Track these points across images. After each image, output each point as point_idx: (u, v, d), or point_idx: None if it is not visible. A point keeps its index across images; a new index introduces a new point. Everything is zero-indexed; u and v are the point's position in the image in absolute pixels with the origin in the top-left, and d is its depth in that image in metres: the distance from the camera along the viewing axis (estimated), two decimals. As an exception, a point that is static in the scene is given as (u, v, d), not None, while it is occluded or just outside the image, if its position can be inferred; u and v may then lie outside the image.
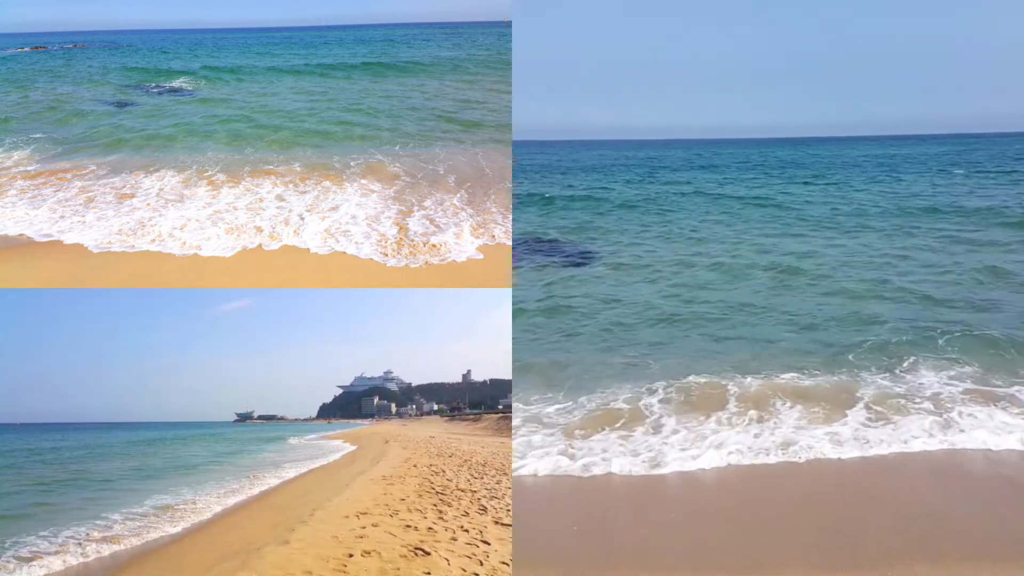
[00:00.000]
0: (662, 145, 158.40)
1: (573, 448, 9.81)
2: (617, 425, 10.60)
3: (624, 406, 11.19)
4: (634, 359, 13.23)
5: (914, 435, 9.78)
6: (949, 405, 10.64)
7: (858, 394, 11.14)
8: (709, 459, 9.35)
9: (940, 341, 13.14)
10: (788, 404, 10.92)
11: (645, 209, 35.07)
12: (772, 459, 9.34)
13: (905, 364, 12.35)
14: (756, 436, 9.93)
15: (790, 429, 10.11)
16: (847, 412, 10.54)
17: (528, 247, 24.28)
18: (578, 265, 21.52)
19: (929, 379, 11.75)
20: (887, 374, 12.03)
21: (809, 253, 22.32)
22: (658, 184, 49.69)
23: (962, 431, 9.86)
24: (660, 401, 11.31)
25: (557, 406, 11.32)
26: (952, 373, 11.94)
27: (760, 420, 10.49)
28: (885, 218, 29.51)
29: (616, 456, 9.50)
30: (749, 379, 11.86)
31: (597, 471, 9.19)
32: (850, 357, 12.69)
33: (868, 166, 64.93)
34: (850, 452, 9.48)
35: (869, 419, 10.35)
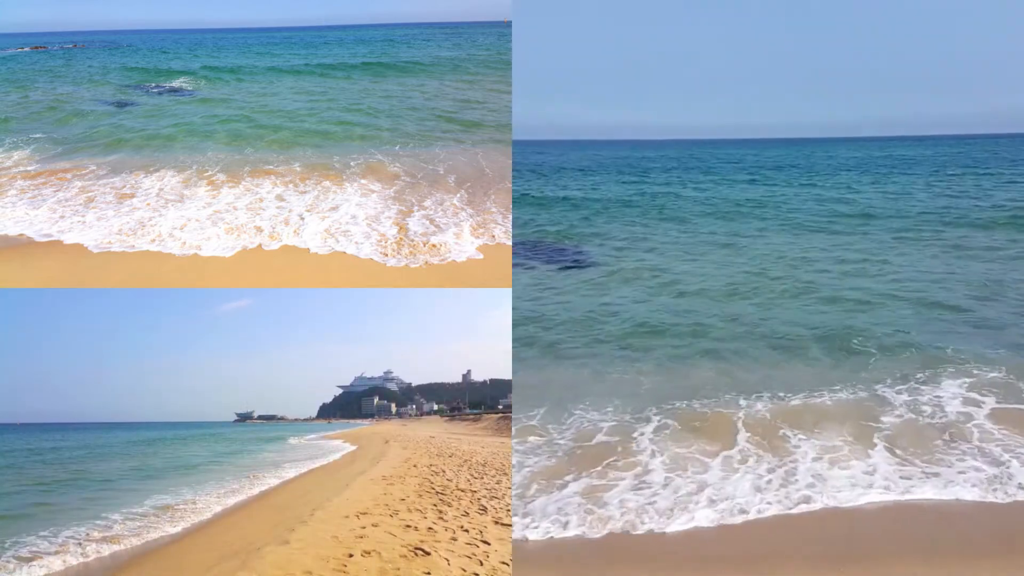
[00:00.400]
0: (656, 145, 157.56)
1: (529, 510, 8.06)
2: (596, 470, 8.83)
3: (609, 439, 9.59)
4: (625, 374, 12.28)
5: (963, 488, 8.33)
6: (988, 444, 9.29)
7: (881, 421, 9.94)
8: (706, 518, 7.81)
9: (949, 351, 12.62)
10: (803, 436, 9.60)
11: (640, 212, 34.81)
12: (797, 511, 7.98)
13: (920, 376, 11.60)
14: (760, 490, 8.35)
15: (808, 480, 8.52)
16: (871, 452, 9.15)
17: (521, 249, 24.12)
18: (571, 269, 21.27)
19: (951, 392, 10.90)
20: (903, 387, 11.20)
21: (805, 259, 22.11)
22: (653, 185, 49.51)
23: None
24: (654, 431, 9.81)
25: (530, 439, 9.83)
26: (972, 381, 11.20)
27: (772, 464, 8.90)
28: (879, 221, 29.41)
29: (583, 526, 7.71)
30: (755, 403, 10.64)
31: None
32: (862, 373, 11.90)
33: (870, 167, 64.73)
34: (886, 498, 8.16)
35: (901, 464, 8.87)
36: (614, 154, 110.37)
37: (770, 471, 8.82)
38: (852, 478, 8.60)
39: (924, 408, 10.45)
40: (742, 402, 10.80)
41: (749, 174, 59.48)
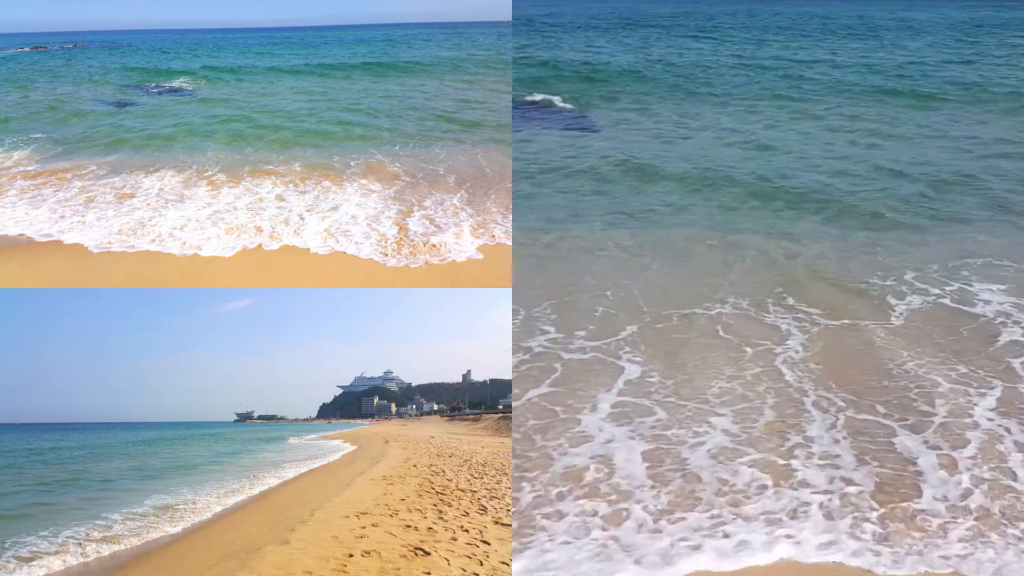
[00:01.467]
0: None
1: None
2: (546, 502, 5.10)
3: (553, 409, 6.08)
4: (624, 257, 10.70)
5: None
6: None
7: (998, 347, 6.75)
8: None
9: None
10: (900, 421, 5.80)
11: (650, 77, 32.90)
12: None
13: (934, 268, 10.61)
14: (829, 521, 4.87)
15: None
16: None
17: (523, 112, 22.98)
18: (574, 135, 20.00)
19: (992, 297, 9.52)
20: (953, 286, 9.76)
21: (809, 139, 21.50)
22: (661, 47, 46.69)
23: None
24: (636, 375, 6.46)
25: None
26: (1006, 287, 9.96)
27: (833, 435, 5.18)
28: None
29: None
30: (786, 321, 8.24)
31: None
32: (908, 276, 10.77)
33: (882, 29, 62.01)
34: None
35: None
36: (625, 6, 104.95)
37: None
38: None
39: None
40: (771, 315, 8.29)
41: (754, 32, 57.91)
